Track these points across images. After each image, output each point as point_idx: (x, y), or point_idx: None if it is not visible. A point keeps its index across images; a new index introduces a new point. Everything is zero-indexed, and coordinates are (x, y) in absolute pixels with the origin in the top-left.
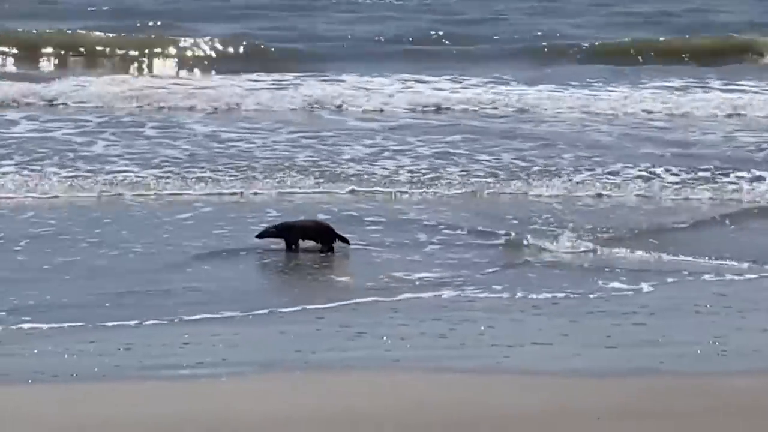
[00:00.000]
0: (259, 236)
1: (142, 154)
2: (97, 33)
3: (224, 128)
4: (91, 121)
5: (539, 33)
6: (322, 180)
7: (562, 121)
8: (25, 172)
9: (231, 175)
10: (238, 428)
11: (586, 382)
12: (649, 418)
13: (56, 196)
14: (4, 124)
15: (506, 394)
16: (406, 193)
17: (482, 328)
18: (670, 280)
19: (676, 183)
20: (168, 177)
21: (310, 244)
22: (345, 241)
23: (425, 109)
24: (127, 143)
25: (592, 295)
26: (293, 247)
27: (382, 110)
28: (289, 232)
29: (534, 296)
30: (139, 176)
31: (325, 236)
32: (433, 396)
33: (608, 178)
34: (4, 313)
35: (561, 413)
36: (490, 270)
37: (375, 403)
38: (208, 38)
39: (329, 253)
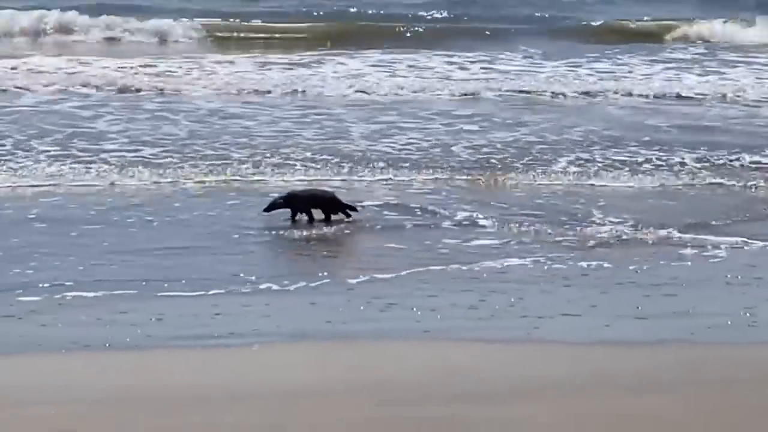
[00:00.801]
0: (267, 209)
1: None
2: None
3: None
4: None
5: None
6: None
7: None
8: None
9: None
10: (269, 398)
11: (616, 353)
12: (679, 389)
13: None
14: None
15: (536, 365)
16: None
17: (512, 299)
18: (699, 252)
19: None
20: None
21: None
22: (352, 209)
23: None
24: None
25: (622, 267)
26: (310, 218)
27: None
28: (297, 202)
29: (564, 267)
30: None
31: (329, 205)
32: (463, 366)
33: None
34: (40, 285)
35: (591, 384)
36: (523, 242)
37: (405, 373)
38: None
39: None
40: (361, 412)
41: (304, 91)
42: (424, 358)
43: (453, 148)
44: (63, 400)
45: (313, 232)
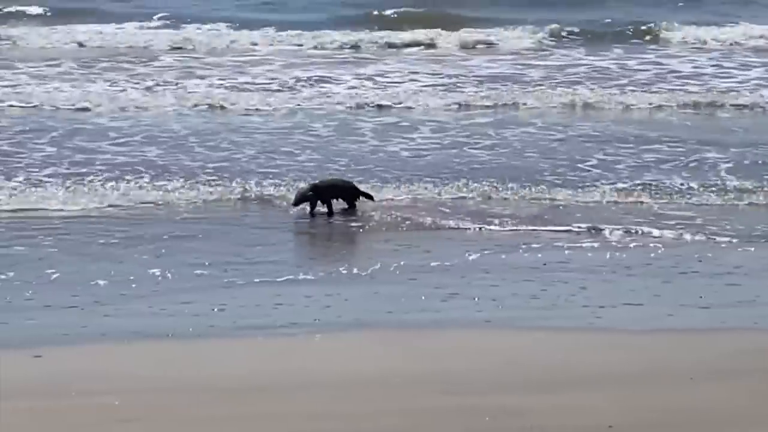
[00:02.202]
0: (296, 203)
1: None
2: None
3: None
4: None
5: None
6: None
7: None
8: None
9: None
10: (330, 387)
11: (678, 342)
12: (742, 377)
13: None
14: None
15: (598, 354)
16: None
17: (574, 288)
18: (763, 241)
19: None
20: None
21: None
22: (369, 197)
23: None
24: None
25: (685, 256)
26: (329, 210)
27: None
28: (322, 192)
29: (626, 257)
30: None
31: (350, 194)
32: (525, 355)
33: None
34: (104, 282)
35: (653, 373)
36: (583, 231)
37: (466, 362)
38: None
39: (353, 209)
40: (423, 401)
41: None
42: (486, 348)
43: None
44: (126, 389)
45: (371, 222)
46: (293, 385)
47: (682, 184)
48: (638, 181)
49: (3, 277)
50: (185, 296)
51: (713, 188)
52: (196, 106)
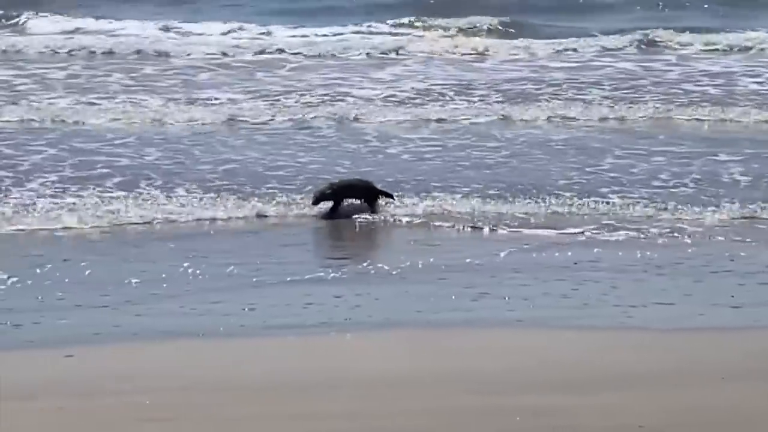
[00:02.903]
0: (315, 202)
1: None
2: None
3: None
4: None
5: None
6: None
7: None
8: None
9: None
10: (360, 386)
11: (710, 342)
12: None
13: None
14: None
15: (629, 353)
16: None
17: (605, 288)
18: None
19: None
20: None
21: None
22: (389, 196)
23: None
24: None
25: (716, 255)
26: (336, 205)
27: None
28: (340, 191)
29: (657, 256)
30: None
31: (367, 193)
32: (556, 355)
33: None
34: (135, 281)
35: (684, 373)
36: (612, 232)
37: (497, 361)
38: None
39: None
40: (453, 400)
41: None
42: (517, 347)
43: None
44: (157, 388)
45: (403, 220)
46: (324, 384)
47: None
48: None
49: (35, 276)
50: (216, 296)
51: None
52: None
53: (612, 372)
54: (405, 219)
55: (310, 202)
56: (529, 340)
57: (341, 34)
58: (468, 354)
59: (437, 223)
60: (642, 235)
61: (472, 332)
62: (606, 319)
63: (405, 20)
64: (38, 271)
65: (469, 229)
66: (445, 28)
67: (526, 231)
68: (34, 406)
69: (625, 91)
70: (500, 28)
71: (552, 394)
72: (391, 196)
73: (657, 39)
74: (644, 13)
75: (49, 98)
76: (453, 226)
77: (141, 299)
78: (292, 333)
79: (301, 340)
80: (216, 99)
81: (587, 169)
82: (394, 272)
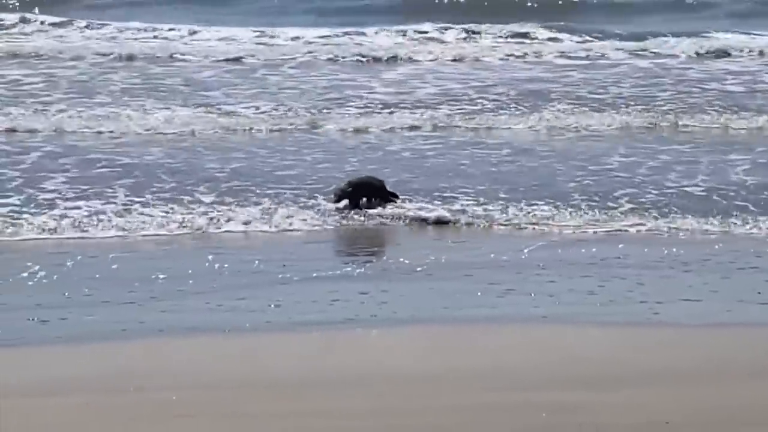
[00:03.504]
0: (337, 200)
1: None
2: None
3: None
4: None
5: None
6: None
7: None
8: None
9: None
10: (386, 383)
11: (737, 338)
12: None
13: None
14: None
15: (654, 350)
16: None
17: (632, 284)
18: None
19: None
20: None
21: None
22: (395, 196)
23: None
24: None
25: (743, 252)
26: (356, 203)
27: None
28: (358, 190)
29: (683, 252)
30: None
31: (381, 192)
32: (581, 351)
33: None
34: (163, 275)
35: (711, 369)
36: (641, 228)
37: (523, 358)
38: None
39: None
40: (479, 397)
41: None
42: (542, 344)
43: None
44: (184, 385)
45: (429, 216)
46: (350, 381)
47: None
48: None
49: (61, 273)
50: (242, 292)
51: None
52: None
53: (638, 368)
54: (427, 215)
55: (332, 200)
56: (554, 337)
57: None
58: (493, 350)
59: (463, 221)
60: (667, 233)
61: (498, 328)
62: (632, 316)
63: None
64: (65, 267)
65: (495, 226)
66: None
67: (553, 227)
68: (61, 402)
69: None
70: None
71: (578, 391)
72: (396, 196)
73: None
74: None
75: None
76: (477, 225)
77: (167, 295)
78: (318, 329)
79: (327, 336)
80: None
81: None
82: (419, 269)
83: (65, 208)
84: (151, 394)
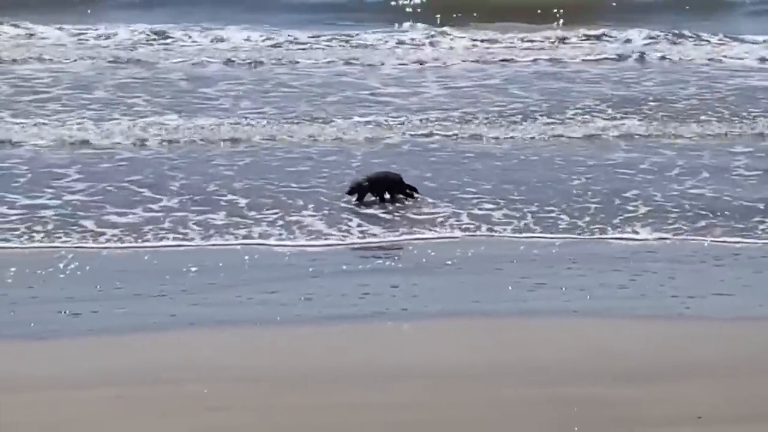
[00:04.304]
0: (351, 192)
1: None
2: None
3: None
4: None
5: None
6: None
7: None
8: None
9: None
10: (416, 377)
11: None
12: None
13: None
14: None
15: (686, 345)
16: None
17: (663, 278)
18: None
19: None
20: None
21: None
22: (414, 189)
23: None
24: None
25: None
26: (381, 199)
27: None
28: (376, 184)
29: (715, 246)
30: None
31: (398, 187)
32: (613, 345)
33: None
34: (194, 268)
35: (743, 364)
36: (670, 223)
37: (554, 352)
38: None
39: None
40: (510, 391)
41: None
42: (574, 338)
43: None
44: (214, 378)
45: (461, 212)
46: (381, 374)
47: None
48: None
49: (93, 265)
50: (272, 285)
51: None
52: None
53: (670, 363)
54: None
55: (345, 191)
56: (586, 331)
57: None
58: (524, 345)
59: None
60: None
61: (529, 323)
62: (664, 310)
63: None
64: (96, 260)
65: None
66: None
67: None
68: (92, 395)
69: None
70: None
71: (610, 385)
72: (416, 190)
73: None
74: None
75: None
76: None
77: (197, 288)
78: (349, 323)
79: (358, 329)
80: None
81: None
82: (449, 262)
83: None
84: (182, 387)
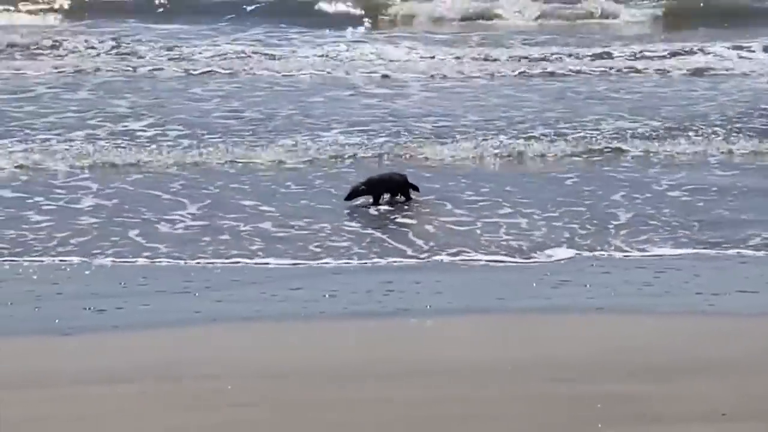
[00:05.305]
0: (348, 198)
1: None
2: None
3: None
4: None
5: None
6: None
7: None
8: None
9: None
10: (440, 373)
11: None
12: None
13: None
14: None
15: (710, 342)
16: None
17: (687, 275)
18: None
19: None
20: None
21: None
22: (416, 189)
23: None
24: None
25: None
26: (375, 200)
27: None
28: (376, 186)
29: (740, 243)
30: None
31: (404, 188)
32: (637, 342)
33: None
34: (219, 262)
35: (767, 360)
36: (696, 221)
37: (578, 349)
38: None
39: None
40: (534, 387)
41: None
42: (597, 335)
43: None
44: (238, 374)
45: (482, 210)
46: (404, 370)
47: None
48: None
49: (117, 261)
50: (296, 282)
51: None
52: None
53: (694, 360)
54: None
55: (344, 197)
56: (610, 328)
57: None
58: (549, 341)
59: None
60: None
61: (553, 319)
62: (688, 307)
63: None
64: (121, 256)
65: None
66: None
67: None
68: (116, 391)
69: None
70: None
71: (633, 382)
72: (417, 188)
73: None
74: None
75: None
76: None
77: (222, 285)
78: (373, 319)
79: (382, 326)
80: None
81: None
82: (474, 259)
83: None
84: (206, 383)
